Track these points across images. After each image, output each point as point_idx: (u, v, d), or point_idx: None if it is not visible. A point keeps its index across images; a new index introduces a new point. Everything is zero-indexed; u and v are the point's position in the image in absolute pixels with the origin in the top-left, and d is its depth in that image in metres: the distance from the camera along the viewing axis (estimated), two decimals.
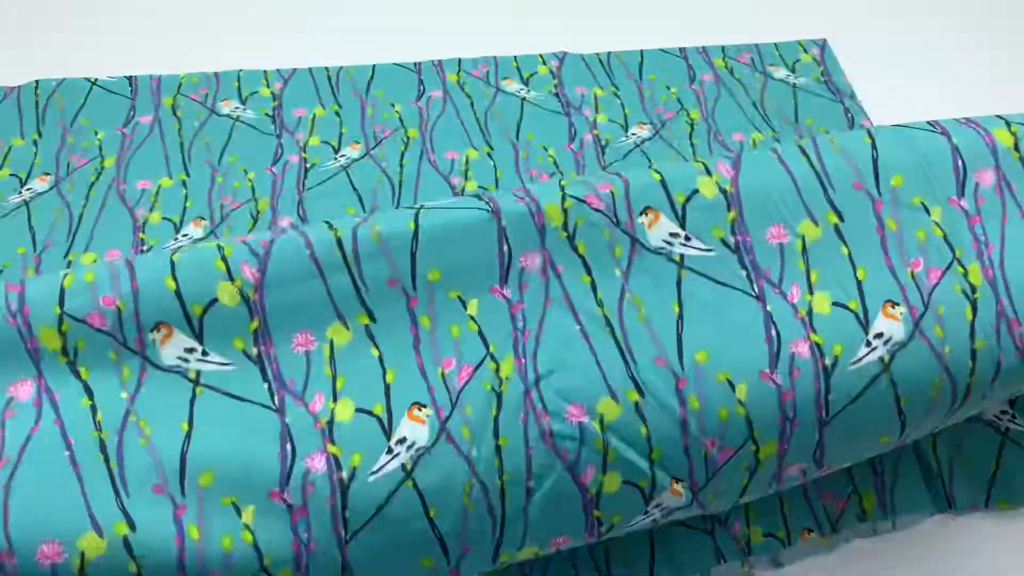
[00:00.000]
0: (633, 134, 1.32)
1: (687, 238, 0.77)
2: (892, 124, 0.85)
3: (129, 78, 1.34)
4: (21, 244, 1.13)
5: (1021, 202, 0.80)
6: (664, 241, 0.77)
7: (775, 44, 1.47)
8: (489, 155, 1.28)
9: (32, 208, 1.17)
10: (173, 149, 1.25)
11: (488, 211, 0.77)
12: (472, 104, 1.35)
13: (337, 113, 1.32)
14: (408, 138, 1.29)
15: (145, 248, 1.13)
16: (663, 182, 0.79)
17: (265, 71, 1.37)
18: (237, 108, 1.31)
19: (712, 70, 1.42)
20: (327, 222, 0.78)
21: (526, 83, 1.38)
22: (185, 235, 1.15)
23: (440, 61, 1.40)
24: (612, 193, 0.78)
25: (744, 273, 0.76)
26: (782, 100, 1.38)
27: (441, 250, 0.76)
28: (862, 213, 0.78)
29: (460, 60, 1.41)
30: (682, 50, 1.45)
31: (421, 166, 1.26)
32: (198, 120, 1.29)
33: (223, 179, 1.22)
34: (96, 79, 1.34)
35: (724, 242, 0.77)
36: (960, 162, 0.80)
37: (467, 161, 1.27)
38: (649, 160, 1.28)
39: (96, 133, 1.26)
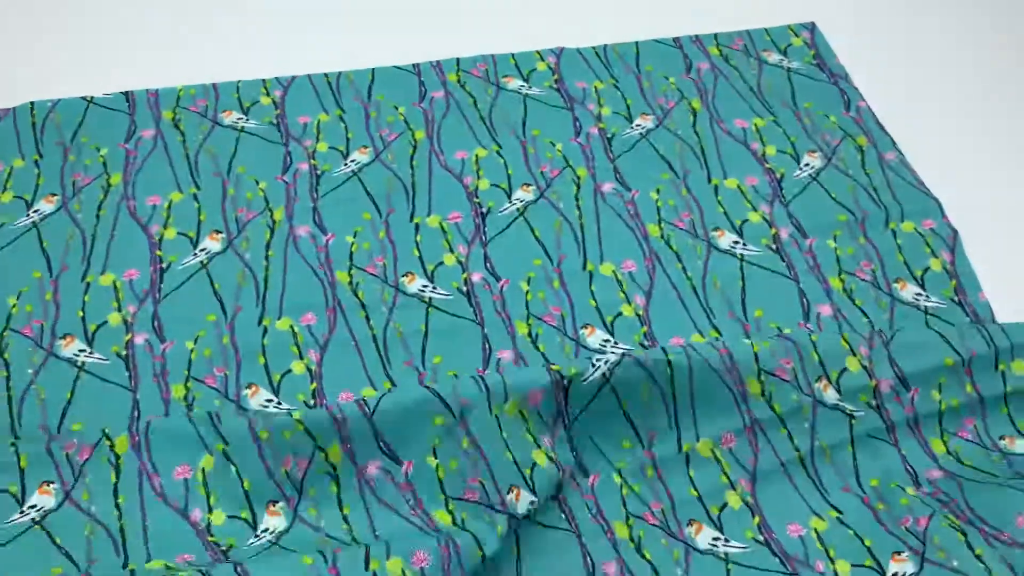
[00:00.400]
0: (638, 125, 1.33)
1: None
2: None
3: (125, 94, 1.31)
4: (36, 268, 1.11)
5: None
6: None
7: (766, 29, 1.49)
8: (498, 152, 1.28)
9: (42, 230, 1.15)
10: (179, 162, 1.24)
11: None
12: (475, 103, 1.35)
13: (341, 118, 1.31)
14: (415, 140, 1.29)
15: (164, 266, 1.12)
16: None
17: (264, 80, 1.35)
18: (240, 119, 1.30)
19: (707, 58, 1.44)
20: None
21: (526, 80, 1.39)
22: (203, 249, 1.14)
23: (439, 62, 1.40)
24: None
25: (778, 560, 0.95)
26: (778, 84, 1.40)
27: None
28: (857, 507, 0.99)
29: (459, 60, 1.40)
30: (676, 40, 1.46)
31: (432, 167, 1.26)
32: (201, 132, 1.28)
33: (235, 191, 1.21)
34: (92, 97, 1.31)
35: (756, 539, 0.96)
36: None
37: (477, 160, 1.27)
38: (655, 150, 1.30)
39: (98, 150, 1.24)
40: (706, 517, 0.96)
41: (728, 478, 0.99)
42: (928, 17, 1.56)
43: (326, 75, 1.37)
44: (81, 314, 1.08)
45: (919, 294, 1.15)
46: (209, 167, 1.24)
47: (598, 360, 0.98)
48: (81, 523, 0.91)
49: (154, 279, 1.11)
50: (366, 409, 0.93)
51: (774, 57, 1.45)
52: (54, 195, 1.19)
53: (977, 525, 0.94)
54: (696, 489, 0.98)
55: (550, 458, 0.96)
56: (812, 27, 1.50)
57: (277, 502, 0.93)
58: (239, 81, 1.35)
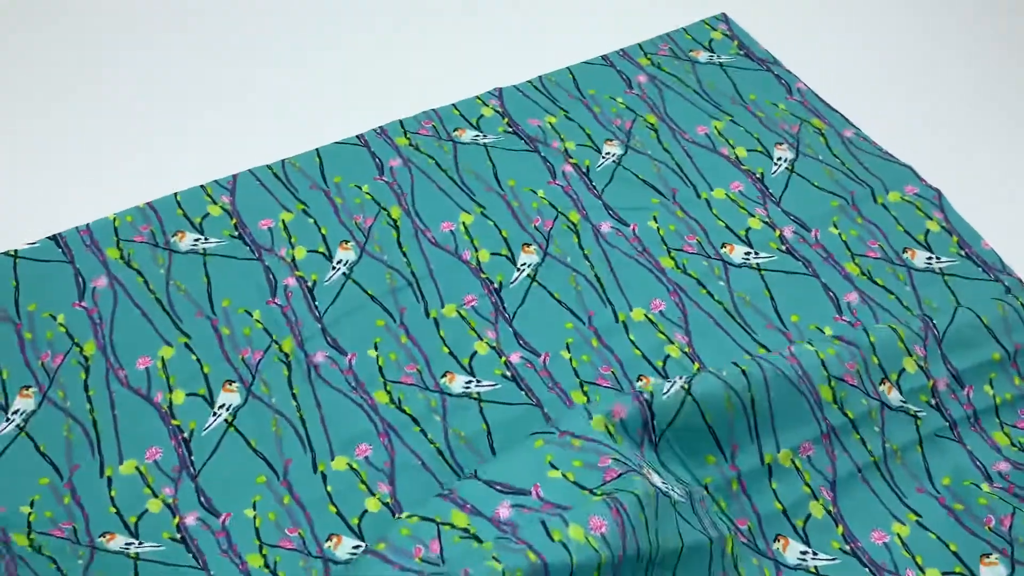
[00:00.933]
0: (608, 153, 1.29)
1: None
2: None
3: (53, 238, 1.13)
4: (42, 475, 0.95)
5: None
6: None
7: (684, 29, 1.47)
8: (483, 215, 1.20)
9: (33, 433, 0.98)
10: (153, 310, 1.08)
11: None
12: (437, 163, 1.25)
13: (306, 212, 1.19)
14: (393, 219, 1.19)
15: (187, 436, 0.98)
16: None
17: (203, 186, 1.19)
18: (197, 240, 1.14)
19: (642, 70, 1.40)
20: None
21: (479, 128, 1.31)
22: (222, 405, 1.01)
23: (382, 128, 1.29)
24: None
25: (867, 570, 0.96)
26: (719, 82, 1.39)
27: None
28: (934, 508, 1.01)
29: (402, 121, 1.30)
30: (605, 58, 1.42)
31: (423, 248, 1.16)
32: (159, 266, 1.12)
33: (229, 329, 1.07)
34: (15, 251, 1.11)
35: (843, 550, 0.97)
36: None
37: (466, 228, 1.19)
38: (635, 175, 1.26)
39: (54, 318, 1.06)
40: (792, 531, 0.97)
41: (810, 488, 0.99)
42: None
43: (269, 167, 1.23)
44: (114, 510, 0.93)
45: (930, 258, 1.19)
46: (188, 307, 1.09)
47: (674, 378, 0.98)
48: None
49: (181, 453, 0.98)
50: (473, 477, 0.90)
51: (703, 55, 1.43)
52: (28, 387, 1.01)
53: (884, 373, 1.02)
54: (780, 502, 0.98)
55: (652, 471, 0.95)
56: (726, 18, 1.49)
57: None
58: (176, 193, 1.19)
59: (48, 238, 1.13)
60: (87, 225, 1.15)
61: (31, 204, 1.19)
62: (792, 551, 0.96)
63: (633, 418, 0.96)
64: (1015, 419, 1.08)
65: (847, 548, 0.96)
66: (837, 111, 1.36)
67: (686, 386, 0.97)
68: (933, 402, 1.06)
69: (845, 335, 1.06)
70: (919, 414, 1.05)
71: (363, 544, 0.93)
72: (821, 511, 0.98)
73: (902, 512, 0.99)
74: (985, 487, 1.01)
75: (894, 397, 1.04)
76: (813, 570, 0.95)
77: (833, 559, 0.95)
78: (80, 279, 1.10)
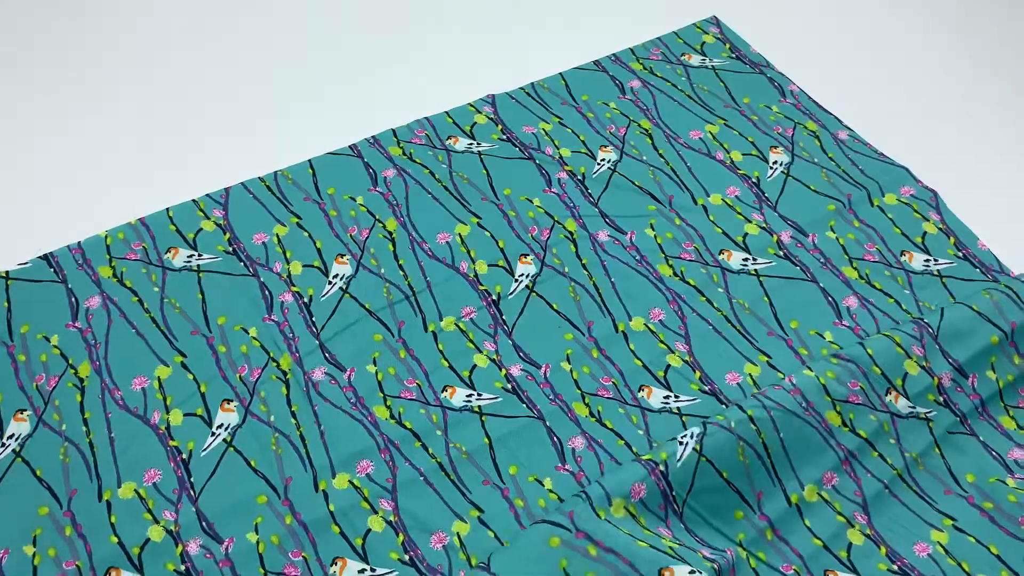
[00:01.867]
0: (603, 160, 1.28)
1: None
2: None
3: (44, 257, 1.11)
4: (40, 503, 0.93)
5: None
6: None
7: (675, 33, 1.46)
8: (480, 225, 1.19)
9: (29, 457, 0.96)
10: (148, 329, 1.06)
11: None
12: (432, 173, 1.24)
13: (300, 225, 1.17)
14: (389, 232, 1.18)
15: (185, 457, 0.97)
16: None
17: (195, 201, 1.18)
18: (191, 256, 1.13)
19: (635, 75, 1.40)
20: None
21: (472, 136, 1.30)
22: (220, 425, 0.99)
23: (375, 138, 1.28)
24: None
25: None
26: (711, 86, 1.39)
27: None
28: (966, 509, 1.01)
29: (394, 130, 1.29)
30: (597, 63, 1.41)
31: (420, 261, 1.15)
32: (153, 284, 1.10)
33: (225, 347, 1.06)
34: (7, 272, 1.10)
35: (891, 571, 0.96)
36: None
37: (462, 240, 1.18)
38: (631, 182, 1.25)
39: (48, 340, 1.04)
40: (837, 563, 0.96)
41: (844, 516, 0.98)
42: None
43: (261, 179, 1.22)
44: (115, 539, 0.92)
45: (927, 260, 1.19)
46: (183, 325, 1.07)
47: (683, 437, 0.96)
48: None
49: (180, 475, 0.96)
50: (486, 570, 0.87)
51: (695, 59, 1.43)
52: (23, 411, 0.99)
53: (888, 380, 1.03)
54: (819, 538, 0.97)
55: (672, 547, 0.92)
56: (717, 21, 1.49)
57: None
58: (168, 209, 1.17)
59: (40, 257, 1.12)
60: (79, 243, 1.13)
61: (21, 223, 1.17)
62: None
63: (652, 494, 0.94)
64: (1017, 399, 1.08)
65: (895, 567, 0.95)
66: (831, 113, 1.35)
67: (698, 447, 0.95)
68: (941, 399, 1.06)
69: (842, 351, 1.05)
70: (930, 415, 1.05)
71: (368, 568, 0.92)
72: (860, 537, 0.98)
73: (937, 519, 0.99)
74: (1010, 482, 1.01)
75: (902, 405, 1.04)
76: None
77: None
78: (73, 299, 1.08)
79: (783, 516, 0.98)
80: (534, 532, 0.89)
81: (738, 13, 1.50)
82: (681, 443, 0.95)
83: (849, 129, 1.33)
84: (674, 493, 0.95)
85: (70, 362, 1.03)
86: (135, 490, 0.94)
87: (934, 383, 1.06)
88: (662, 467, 0.94)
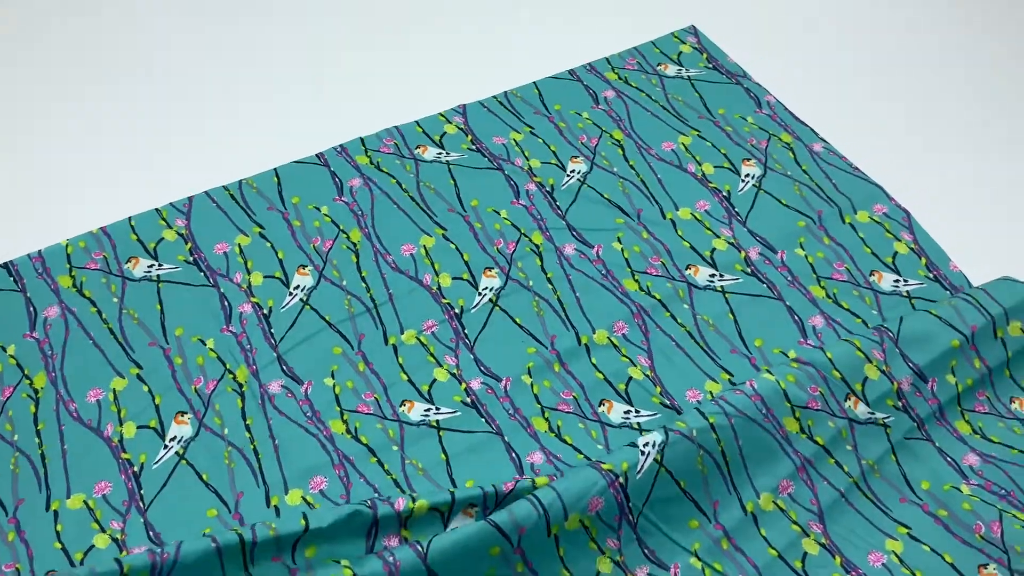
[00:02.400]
0: (572, 171, 1.27)
1: None
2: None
3: (4, 266, 1.11)
4: None
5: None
6: None
7: (652, 43, 1.45)
8: (445, 237, 1.19)
9: None
10: (105, 340, 1.06)
11: None
12: (399, 183, 1.24)
13: (262, 235, 1.17)
14: (353, 243, 1.17)
15: (137, 470, 0.96)
16: None
17: (158, 210, 1.18)
18: (151, 266, 1.13)
19: (609, 85, 1.39)
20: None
21: (441, 146, 1.29)
22: (174, 438, 0.99)
23: (343, 146, 1.27)
24: None
25: None
26: (686, 96, 1.38)
27: None
28: (920, 517, 1.00)
29: (363, 139, 1.28)
30: (572, 72, 1.41)
31: (383, 273, 1.14)
32: (112, 294, 1.10)
33: (182, 359, 1.05)
34: None
35: None
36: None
37: (427, 252, 1.17)
38: (600, 194, 1.24)
39: (4, 350, 1.04)
40: (792, 573, 0.95)
41: (799, 525, 0.98)
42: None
43: (226, 188, 1.21)
44: (59, 546, 0.91)
45: (896, 280, 1.18)
46: (140, 337, 1.07)
47: (645, 446, 0.95)
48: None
49: (131, 487, 0.95)
50: (420, 550, 0.85)
51: (671, 69, 1.42)
52: None
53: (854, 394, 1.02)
54: (774, 547, 0.96)
55: (615, 562, 0.92)
56: (695, 30, 1.48)
57: None
58: (130, 218, 1.17)
59: None
60: (39, 252, 1.13)
61: None
62: None
63: (609, 506, 0.93)
64: (973, 403, 1.08)
65: None
66: (806, 124, 1.34)
67: (658, 457, 0.95)
68: (900, 404, 1.05)
69: (803, 355, 1.04)
70: (888, 420, 1.04)
71: None
72: (815, 546, 0.97)
73: (891, 527, 0.98)
74: (965, 488, 1.00)
75: (861, 411, 1.03)
76: None
77: None
78: (31, 308, 1.08)
79: (738, 525, 0.97)
80: (481, 533, 0.88)
81: (719, 23, 1.48)
82: (643, 452, 0.94)
83: (824, 142, 1.32)
84: (630, 504, 0.94)
85: (25, 372, 1.02)
86: (84, 501, 0.94)
87: (894, 388, 1.05)
88: (622, 479, 0.93)
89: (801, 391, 1.01)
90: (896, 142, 1.34)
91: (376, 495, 0.96)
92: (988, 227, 1.25)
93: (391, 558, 0.85)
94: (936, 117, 1.38)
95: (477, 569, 0.88)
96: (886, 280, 1.18)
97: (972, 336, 1.08)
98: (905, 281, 1.18)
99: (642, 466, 0.94)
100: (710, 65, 1.42)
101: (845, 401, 1.03)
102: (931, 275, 1.18)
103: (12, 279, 1.10)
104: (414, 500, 0.90)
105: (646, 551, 0.94)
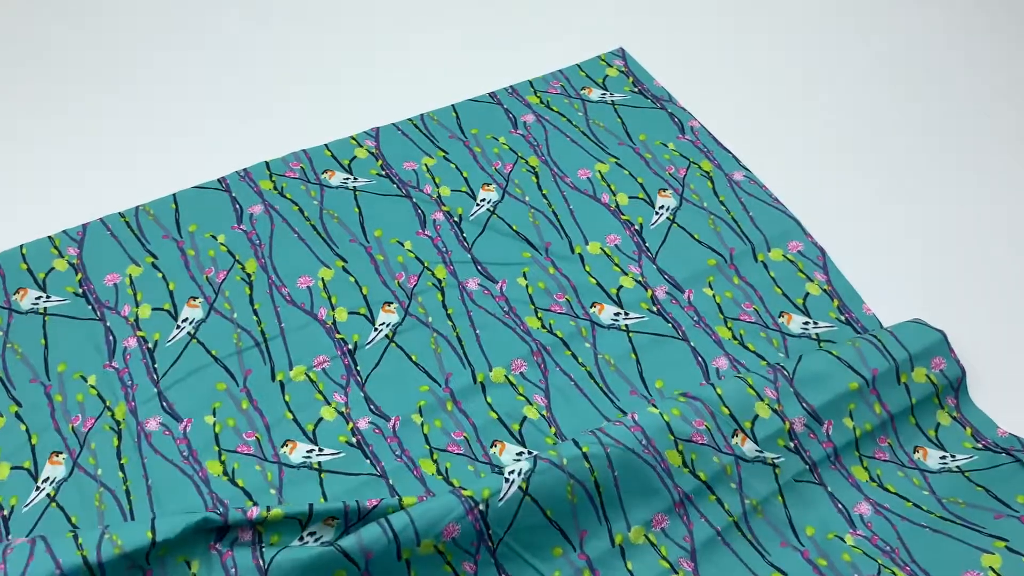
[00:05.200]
0: (482, 200, 1.24)
1: None
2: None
3: None
4: None
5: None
6: None
7: (578, 65, 1.42)
8: (345, 269, 1.16)
9: None
10: None
11: None
12: (301, 210, 1.21)
13: (154, 266, 1.14)
14: (248, 274, 1.14)
15: (7, 513, 0.94)
16: None
17: (51, 238, 1.15)
18: (39, 298, 1.10)
19: (530, 109, 1.36)
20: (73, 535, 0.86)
21: (349, 171, 1.26)
22: (46, 479, 0.96)
23: (247, 171, 1.24)
24: None
25: None
26: (608, 122, 1.35)
27: None
28: (799, 564, 0.97)
29: (268, 163, 1.25)
30: (493, 95, 1.38)
31: (277, 306, 1.12)
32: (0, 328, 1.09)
33: (62, 396, 1.03)
34: None
35: None
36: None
37: (324, 285, 1.14)
38: (509, 225, 1.22)
39: None
40: None
41: (668, 562, 0.95)
42: (729, 20, 1.54)
43: (122, 215, 1.19)
44: None
45: (806, 323, 1.15)
46: (23, 373, 1.05)
47: (511, 473, 0.93)
48: None
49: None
50: (260, 563, 0.84)
51: (595, 93, 1.39)
52: None
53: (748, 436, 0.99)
54: None
55: None
56: (623, 53, 1.44)
57: None
58: (22, 246, 1.14)
59: None
60: None
61: None
62: None
63: (466, 533, 0.91)
64: (874, 449, 1.05)
65: None
66: (729, 151, 1.31)
67: (524, 485, 0.92)
68: (792, 445, 1.02)
69: (690, 391, 1.02)
70: (777, 461, 1.01)
71: None
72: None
73: (766, 571, 0.96)
74: (849, 539, 0.98)
75: (749, 448, 1.01)
76: None
77: None
78: None
79: (604, 556, 0.95)
80: (324, 556, 0.86)
81: (653, 44, 1.46)
82: (507, 480, 0.92)
83: (746, 170, 1.29)
84: (491, 532, 0.93)
85: None
86: None
87: (786, 427, 1.03)
88: (482, 507, 0.91)
89: (686, 424, 0.99)
90: (823, 174, 1.31)
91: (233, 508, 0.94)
92: (908, 269, 1.21)
93: (233, 570, 0.84)
94: (867, 151, 1.35)
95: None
96: (795, 322, 1.15)
97: (873, 380, 1.05)
98: (815, 323, 1.15)
99: (505, 493, 0.92)
100: (635, 89, 1.39)
101: (732, 438, 1.01)
102: (843, 318, 1.16)
103: None
104: (268, 509, 0.87)
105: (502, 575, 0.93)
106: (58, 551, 0.84)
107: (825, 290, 1.18)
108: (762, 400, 1.03)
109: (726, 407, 1.01)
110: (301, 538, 0.89)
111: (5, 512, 0.95)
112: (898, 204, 1.28)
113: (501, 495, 0.92)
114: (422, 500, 0.92)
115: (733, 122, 1.35)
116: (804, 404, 1.03)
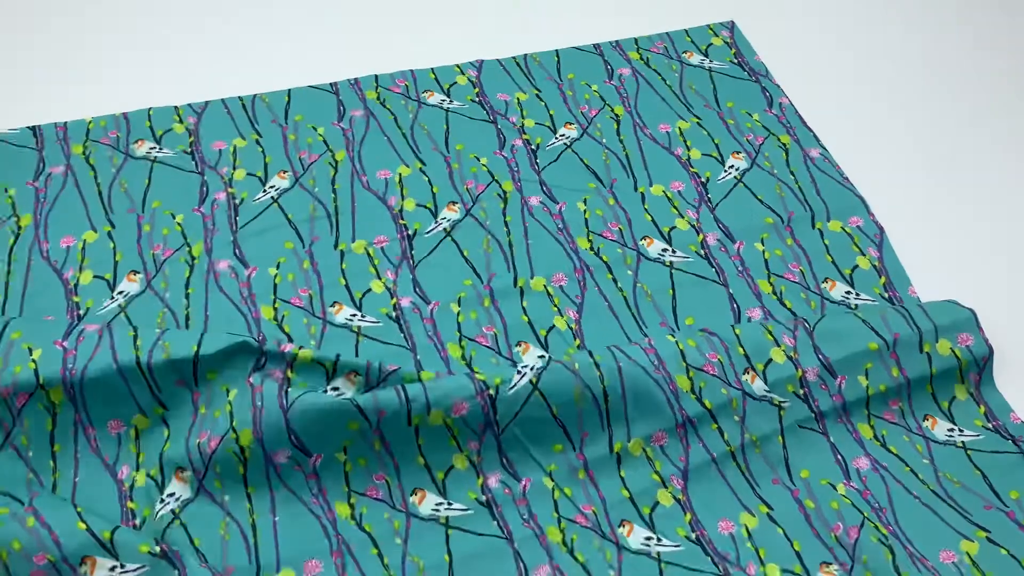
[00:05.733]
0: (562, 135, 1.32)
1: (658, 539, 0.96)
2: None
3: (33, 128, 1.26)
4: None
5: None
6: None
7: (686, 31, 1.48)
8: (422, 170, 1.26)
9: None
10: (92, 199, 1.19)
11: None
12: (396, 120, 1.32)
13: (258, 142, 1.28)
14: (336, 161, 1.26)
15: (82, 312, 1.08)
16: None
17: (176, 107, 1.31)
18: (152, 148, 1.26)
19: (629, 63, 1.43)
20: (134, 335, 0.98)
21: (447, 94, 1.36)
22: (121, 292, 1.10)
23: (357, 80, 1.37)
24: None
25: (710, 559, 0.95)
26: (700, 85, 1.40)
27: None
28: (787, 501, 0.99)
29: (377, 76, 1.38)
30: (597, 46, 1.45)
31: (354, 189, 1.23)
32: (113, 166, 1.23)
33: (150, 227, 1.17)
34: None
35: (688, 538, 0.96)
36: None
37: (400, 179, 1.25)
38: (581, 159, 1.29)
39: (6, 190, 1.19)
40: (638, 517, 0.96)
41: (659, 476, 0.99)
42: (847, 14, 1.57)
43: (240, 99, 1.33)
44: None
45: (848, 292, 1.16)
46: (123, 202, 1.20)
47: (523, 367, 0.98)
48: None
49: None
50: (284, 403, 0.93)
51: (695, 58, 1.44)
52: None
53: (903, 542, 0.95)
54: (628, 489, 0.98)
55: (471, 462, 0.97)
56: (732, 26, 1.50)
57: (184, 470, 0.95)
58: (150, 109, 1.30)
59: (27, 128, 1.27)
60: (65, 123, 1.27)
61: (26, 98, 1.33)
62: (636, 536, 0.95)
63: (475, 414, 0.97)
64: (883, 410, 1.05)
65: (692, 536, 0.96)
66: (811, 130, 1.34)
67: (534, 379, 0.98)
68: (801, 392, 1.04)
69: (709, 327, 1.06)
70: (784, 404, 1.03)
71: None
72: (669, 499, 0.98)
73: (754, 503, 0.98)
74: (841, 488, 0.99)
75: (758, 387, 1.03)
76: (656, 556, 0.94)
77: (677, 546, 0.95)
78: (41, 164, 1.22)
79: (600, 460, 0.99)
80: (341, 406, 0.95)
81: (766, 23, 1.51)
82: (519, 372, 0.98)
83: (824, 148, 1.31)
84: (497, 416, 0.98)
85: (16, 211, 1.17)
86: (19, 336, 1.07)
87: (797, 375, 1.04)
88: (492, 391, 0.97)
89: (699, 355, 1.03)
90: (907, 174, 1.31)
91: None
92: (965, 266, 1.21)
93: (259, 403, 0.93)
94: (954, 156, 1.34)
95: (334, 438, 0.95)
96: (838, 289, 1.16)
97: (894, 343, 1.06)
98: (857, 295, 1.16)
99: (516, 383, 0.97)
100: (735, 61, 1.44)
101: (744, 374, 1.03)
102: (886, 295, 1.16)
103: (35, 140, 1.25)
104: (301, 347, 0.98)
105: (504, 460, 0.98)
106: (118, 346, 0.96)
107: (875, 266, 1.19)
108: (778, 346, 1.05)
109: (742, 347, 1.04)
110: (324, 391, 0.98)
111: (81, 312, 1.08)
112: (973, 204, 1.28)
113: (512, 384, 0.98)
114: (439, 376, 0.99)
115: (828, 109, 1.38)
116: (820, 356, 1.05)
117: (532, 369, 0.99)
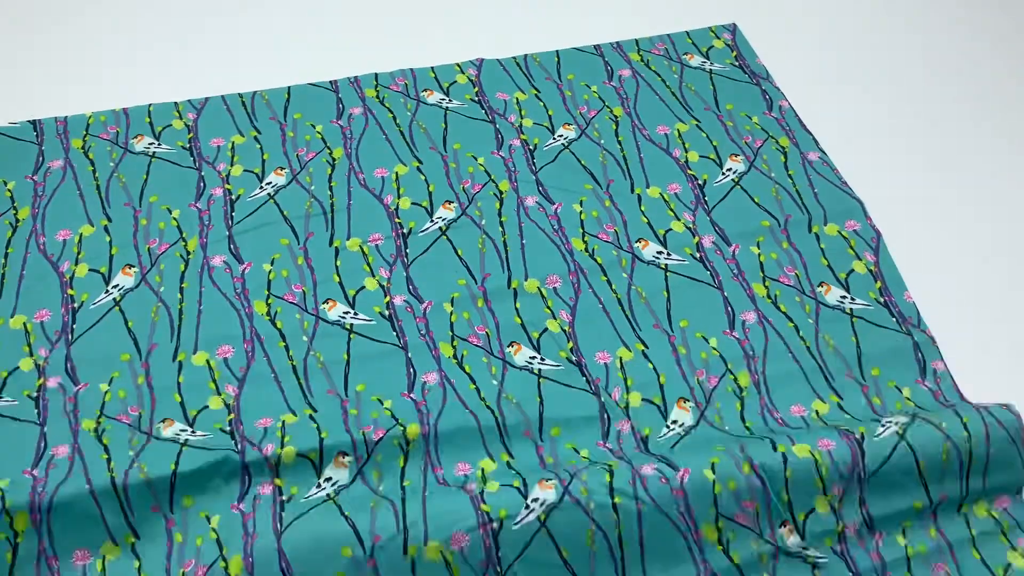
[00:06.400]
0: (560, 135, 1.32)
1: None
2: None
3: (33, 122, 1.28)
4: None
5: None
6: None
7: (687, 33, 1.48)
8: (419, 169, 1.26)
9: None
10: (90, 193, 1.20)
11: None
12: (395, 118, 1.32)
13: (256, 139, 1.28)
14: (334, 159, 1.27)
15: (75, 306, 1.09)
16: None
17: (176, 103, 1.32)
18: (151, 143, 1.27)
19: (629, 65, 1.43)
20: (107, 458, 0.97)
21: (447, 93, 1.37)
22: (116, 286, 1.11)
23: (356, 78, 1.37)
24: None
25: None
26: (700, 87, 1.40)
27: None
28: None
29: (377, 75, 1.38)
30: (597, 47, 1.45)
31: (351, 187, 1.23)
32: (112, 160, 1.24)
33: (147, 221, 1.18)
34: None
35: None
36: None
37: (397, 177, 1.25)
38: (578, 160, 1.29)
39: (5, 184, 1.20)
40: None
41: None
42: (849, 17, 1.56)
43: (240, 95, 1.34)
44: None
45: (843, 296, 1.15)
46: (120, 196, 1.20)
47: (532, 501, 0.92)
48: None
49: (66, 320, 1.08)
50: (278, 527, 0.90)
51: (696, 60, 1.44)
52: None
53: (761, 392, 1.07)
54: None
55: None
56: (733, 28, 1.49)
57: None
58: (150, 105, 1.31)
59: (28, 121, 1.28)
60: (65, 117, 1.29)
61: (28, 95, 1.35)
62: None
63: (475, 548, 0.90)
64: (929, 573, 0.96)
65: None
66: (811, 133, 1.33)
67: (543, 516, 0.91)
68: (839, 548, 0.96)
69: (760, 460, 0.96)
70: (819, 561, 0.95)
71: (192, 430, 0.99)
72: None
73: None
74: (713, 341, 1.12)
75: (793, 542, 0.95)
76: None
77: None
78: (41, 158, 1.24)
79: None
80: (334, 527, 0.91)
81: (767, 24, 1.50)
82: (527, 507, 0.91)
83: (823, 152, 1.31)
84: (500, 554, 0.91)
85: (14, 204, 1.18)
86: (24, 323, 1.07)
87: (838, 529, 0.97)
88: (495, 524, 0.91)
89: (734, 502, 0.95)
90: (909, 175, 1.31)
91: (273, 375, 1.05)
92: (964, 273, 1.20)
93: (252, 530, 0.91)
94: (956, 162, 1.34)
95: (326, 568, 0.89)
96: (833, 294, 1.16)
97: (936, 505, 0.99)
98: (852, 299, 1.15)
99: (523, 519, 0.91)
100: (736, 63, 1.44)
101: (780, 527, 0.96)
102: (882, 300, 1.15)
103: (35, 133, 1.27)
104: (281, 447, 0.97)
105: None
106: (91, 471, 0.94)
107: (871, 270, 1.18)
108: (825, 495, 0.97)
109: (787, 490, 0.96)
110: (318, 485, 0.96)
111: (76, 305, 1.09)
112: (972, 210, 1.27)
113: (518, 519, 0.91)
114: (425, 433, 0.99)
115: (828, 113, 1.37)
116: (864, 510, 0.98)
117: (541, 504, 0.92)
